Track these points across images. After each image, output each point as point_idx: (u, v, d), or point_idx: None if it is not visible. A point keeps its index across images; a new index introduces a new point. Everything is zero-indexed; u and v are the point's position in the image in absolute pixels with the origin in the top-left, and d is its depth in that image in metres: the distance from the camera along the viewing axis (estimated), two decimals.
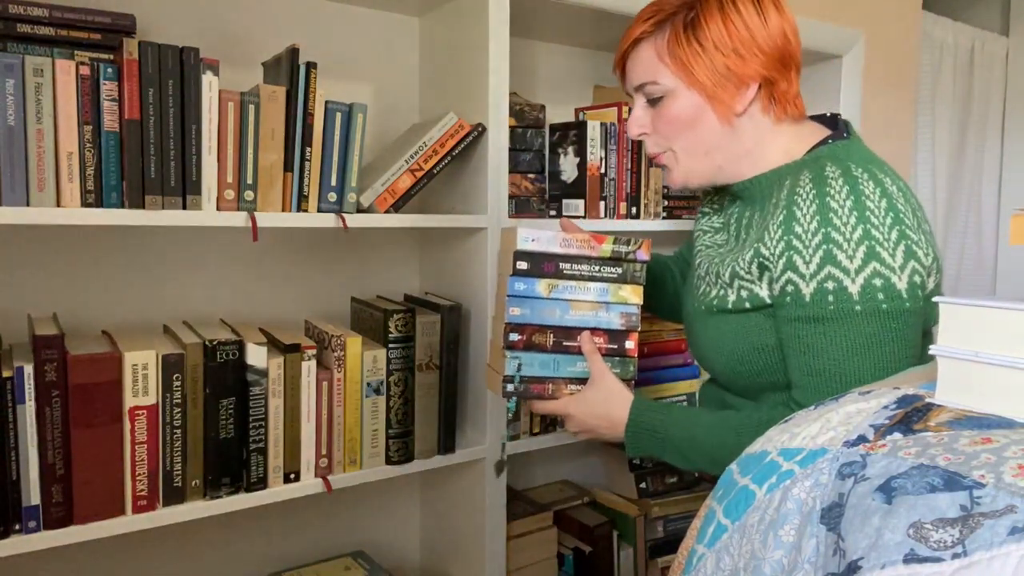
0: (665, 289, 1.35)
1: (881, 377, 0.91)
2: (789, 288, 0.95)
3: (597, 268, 1.09)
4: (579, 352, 1.10)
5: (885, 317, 0.91)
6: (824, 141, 1.04)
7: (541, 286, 1.07)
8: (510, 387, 1.08)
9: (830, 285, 0.92)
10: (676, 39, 1.01)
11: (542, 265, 1.07)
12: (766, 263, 0.98)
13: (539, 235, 1.07)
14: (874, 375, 0.92)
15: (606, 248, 1.09)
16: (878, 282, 0.91)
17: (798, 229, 0.94)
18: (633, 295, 1.11)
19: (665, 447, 1.06)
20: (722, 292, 1.04)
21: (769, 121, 1.04)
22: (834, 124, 1.08)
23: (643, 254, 1.11)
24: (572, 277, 1.08)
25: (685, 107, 1.03)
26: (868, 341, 0.92)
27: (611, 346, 1.10)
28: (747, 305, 1.01)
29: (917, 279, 0.92)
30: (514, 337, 1.07)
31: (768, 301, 0.99)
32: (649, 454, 1.08)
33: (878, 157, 1.03)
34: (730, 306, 1.03)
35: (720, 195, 1.18)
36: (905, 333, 0.92)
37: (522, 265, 1.06)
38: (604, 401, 1.08)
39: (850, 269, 0.91)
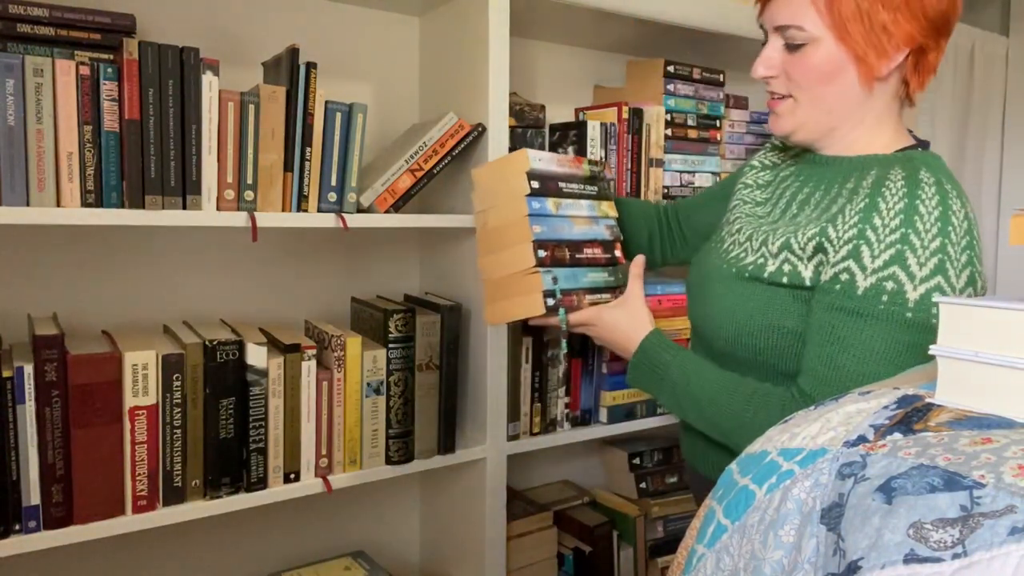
0: (641, 235, 1.34)
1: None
2: (843, 276, 0.92)
3: (582, 186, 1.20)
4: (588, 264, 1.18)
5: (929, 332, 0.89)
6: (913, 147, 1.01)
7: (550, 204, 1.14)
8: (551, 301, 1.12)
9: (889, 285, 0.89)
10: None
11: (548, 184, 1.14)
12: (827, 244, 0.94)
13: (543, 155, 1.15)
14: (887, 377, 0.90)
15: (586, 168, 1.22)
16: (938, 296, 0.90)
17: (877, 221, 0.91)
18: (610, 209, 1.24)
19: (661, 386, 1.07)
20: (761, 260, 1.01)
21: (900, 93, 1.01)
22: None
23: (608, 173, 1.24)
24: (569, 195, 1.17)
25: (827, 61, 0.97)
26: (903, 350, 0.89)
27: (606, 255, 1.20)
28: (784, 280, 0.98)
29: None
30: (542, 254, 1.12)
31: (808, 283, 0.96)
32: (646, 388, 1.10)
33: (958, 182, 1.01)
34: (765, 275, 1.00)
35: (775, 169, 1.14)
36: None
37: (535, 184, 1.13)
38: (629, 322, 1.13)
39: (916, 276, 0.89)
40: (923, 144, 1.03)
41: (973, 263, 0.91)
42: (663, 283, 1.58)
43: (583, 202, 1.18)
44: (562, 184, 1.16)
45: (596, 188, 1.22)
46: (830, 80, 0.98)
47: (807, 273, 0.96)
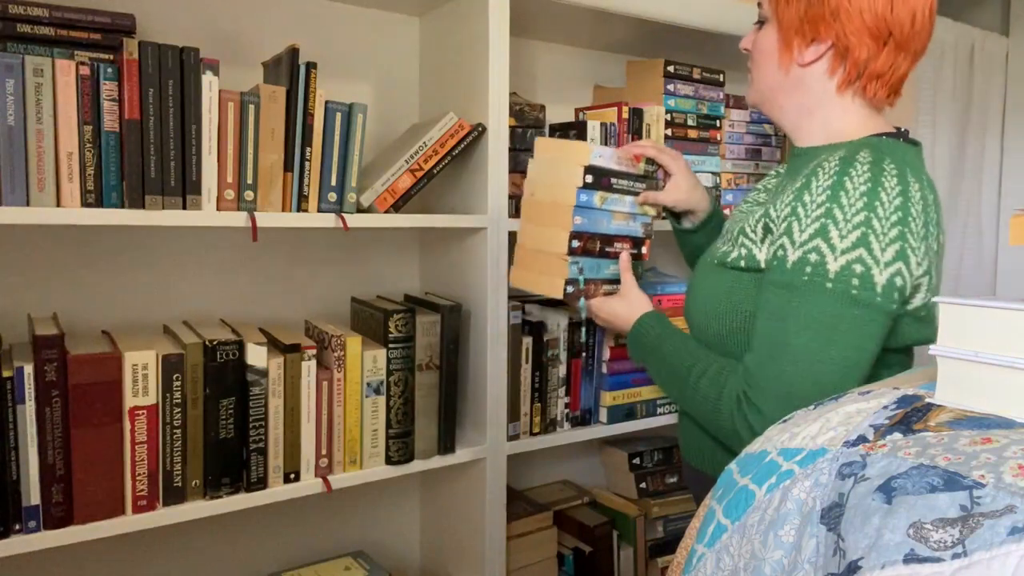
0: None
1: (827, 360, 0.91)
2: (779, 253, 0.96)
3: (631, 183, 1.26)
4: (613, 257, 1.27)
5: (851, 303, 0.91)
6: (880, 135, 1.03)
7: (596, 198, 1.21)
8: (570, 288, 1.21)
9: (812, 257, 0.92)
10: None
11: (601, 180, 1.21)
12: (771, 224, 0.98)
13: (604, 151, 1.22)
14: (820, 356, 0.91)
15: (641, 166, 1.30)
16: (858, 268, 0.91)
17: (807, 198, 0.94)
18: (652, 208, 1.31)
19: (650, 361, 1.15)
20: (729, 248, 1.06)
21: (832, 86, 1.03)
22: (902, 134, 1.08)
23: (661, 174, 1.33)
24: (617, 191, 1.24)
25: (766, 40, 1.06)
26: (827, 320, 0.91)
27: (633, 251, 1.29)
28: (743, 264, 1.02)
29: (899, 281, 0.92)
30: (575, 244, 1.20)
31: (762, 265, 1.00)
32: (641, 361, 1.18)
33: (926, 172, 1.02)
34: (729, 261, 1.04)
35: (784, 175, 1.18)
36: (866, 326, 0.91)
37: (588, 179, 1.19)
38: (627, 308, 1.21)
39: (837, 247, 0.91)
40: (899, 134, 1.04)
41: (905, 238, 0.92)
42: (663, 283, 1.58)
43: (627, 198, 1.26)
44: (614, 180, 1.23)
45: (644, 186, 1.29)
46: (766, 60, 1.07)
47: (761, 256, 1.00)
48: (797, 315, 0.92)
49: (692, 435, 1.14)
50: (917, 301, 0.95)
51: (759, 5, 1.09)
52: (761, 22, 1.09)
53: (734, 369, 1.00)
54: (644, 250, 1.31)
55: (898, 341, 0.98)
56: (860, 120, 1.04)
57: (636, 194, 1.27)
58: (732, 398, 0.98)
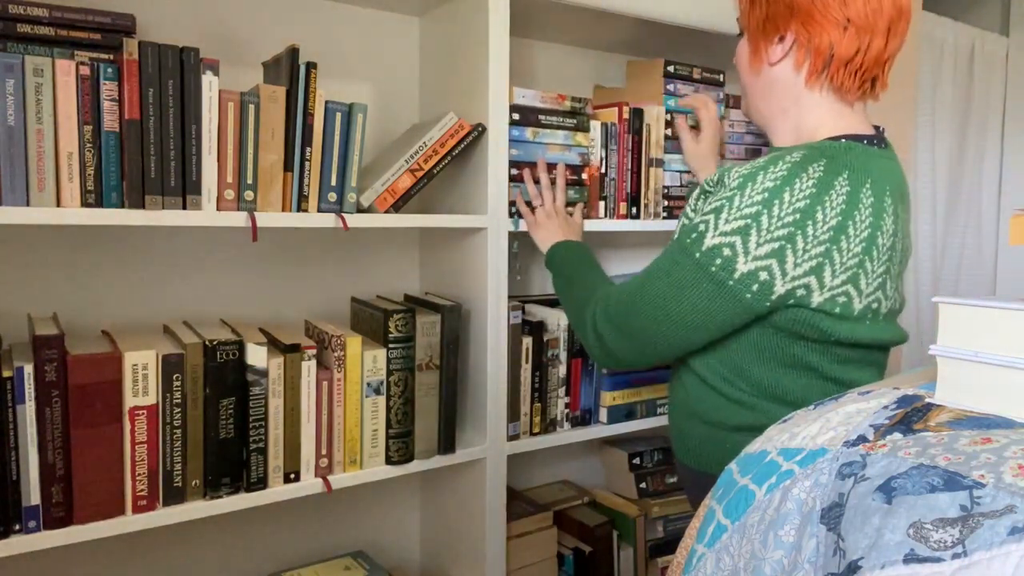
0: None
1: (668, 309, 1.00)
2: (693, 214, 1.04)
3: (561, 119, 1.45)
4: (554, 183, 1.44)
5: (706, 277, 0.97)
6: (841, 137, 1.02)
7: (529, 132, 1.40)
8: (512, 208, 1.40)
9: (701, 227, 0.98)
10: None
11: (528, 116, 1.40)
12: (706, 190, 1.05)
13: (527, 93, 1.42)
14: (664, 303, 1.00)
15: (567, 103, 1.46)
16: (726, 252, 0.95)
17: (726, 179, 0.99)
18: (584, 139, 1.49)
19: (564, 270, 1.27)
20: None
21: (801, 81, 1.04)
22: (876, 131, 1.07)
23: (589, 109, 1.50)
24: (547, 126, 1.43)
25: (741, 49, 1.12)
26: (682, 280, 0.99)
27: (573, 177, 1.47)
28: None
29: (763, 276, 0.94)
30: (514, 172, 1.39)
31: None
32: (557, 270, 1.29)
33: (895, 174, 1.01)
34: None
35: None
36: (713, 301, 0.97)
37: (515, 116, 1.39)
38: (564, 231, 1.37)
39: (719, 228, 0.96)
40: (864, 136, 1.03)
41: (792, 240, 0.93)
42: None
43: (559, 132, 1.45)
44: (542, 116, 1.42)
45: (575, 121, 1.47)
46: (743, 66, 1.12)
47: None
48: (667, 265, 1.01)
49: (681, 432, 1.14)
50: (819, 299, 0.95)
51: (737, 20, 1.13)
52: (741, 33, 1.12)
53: (601, 297, 1.12)
54: (584, 176, 1.49)
55: (823, 335, 0.98)
56: (830, 118, 1.04)
57: (567, 128, 1.45)
58: (598, 298, 1.12)
